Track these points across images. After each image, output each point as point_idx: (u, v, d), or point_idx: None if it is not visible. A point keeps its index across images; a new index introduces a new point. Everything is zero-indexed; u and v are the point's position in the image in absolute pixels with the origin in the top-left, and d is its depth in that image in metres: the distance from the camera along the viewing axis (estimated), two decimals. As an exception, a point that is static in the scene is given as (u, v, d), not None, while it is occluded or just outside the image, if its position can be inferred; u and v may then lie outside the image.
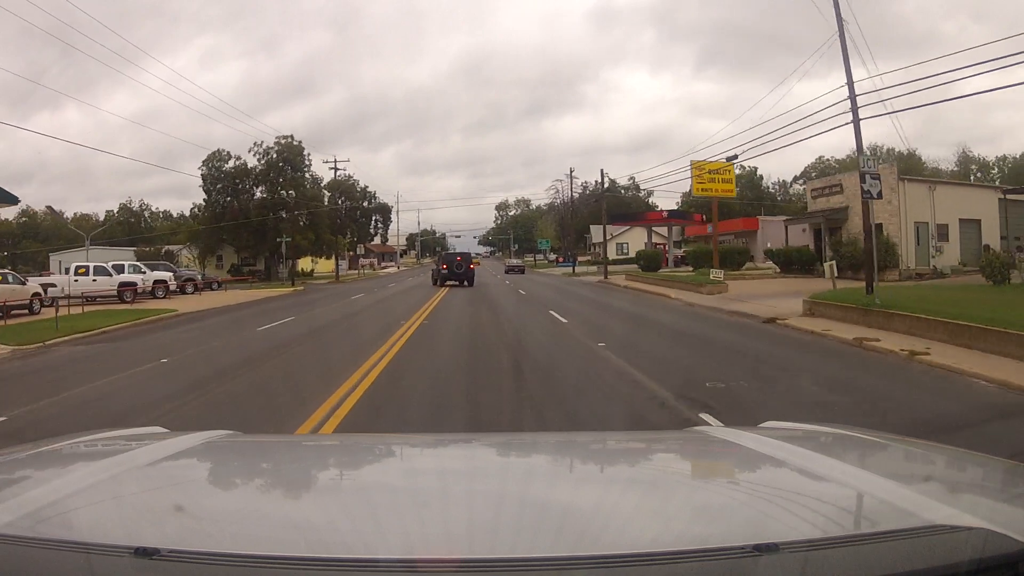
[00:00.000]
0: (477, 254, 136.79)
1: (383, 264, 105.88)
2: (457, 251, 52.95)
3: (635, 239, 72.11)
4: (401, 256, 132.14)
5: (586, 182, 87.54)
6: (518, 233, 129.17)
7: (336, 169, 61.96)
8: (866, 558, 1.16)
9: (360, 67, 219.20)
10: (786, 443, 2.01)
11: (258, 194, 58.82)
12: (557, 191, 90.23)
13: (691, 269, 40.35)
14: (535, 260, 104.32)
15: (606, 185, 68.13)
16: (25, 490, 1.63)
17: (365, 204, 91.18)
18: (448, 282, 41.06)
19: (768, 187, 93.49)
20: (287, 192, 57.47)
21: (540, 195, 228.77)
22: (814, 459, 1.81)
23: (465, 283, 40.85)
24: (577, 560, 1.18)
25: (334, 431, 7.05)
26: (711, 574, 1.15)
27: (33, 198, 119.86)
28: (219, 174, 57.88)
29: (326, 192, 65.31)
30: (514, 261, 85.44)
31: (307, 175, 60.72)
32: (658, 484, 1.92)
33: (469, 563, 1.19)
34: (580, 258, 78.88)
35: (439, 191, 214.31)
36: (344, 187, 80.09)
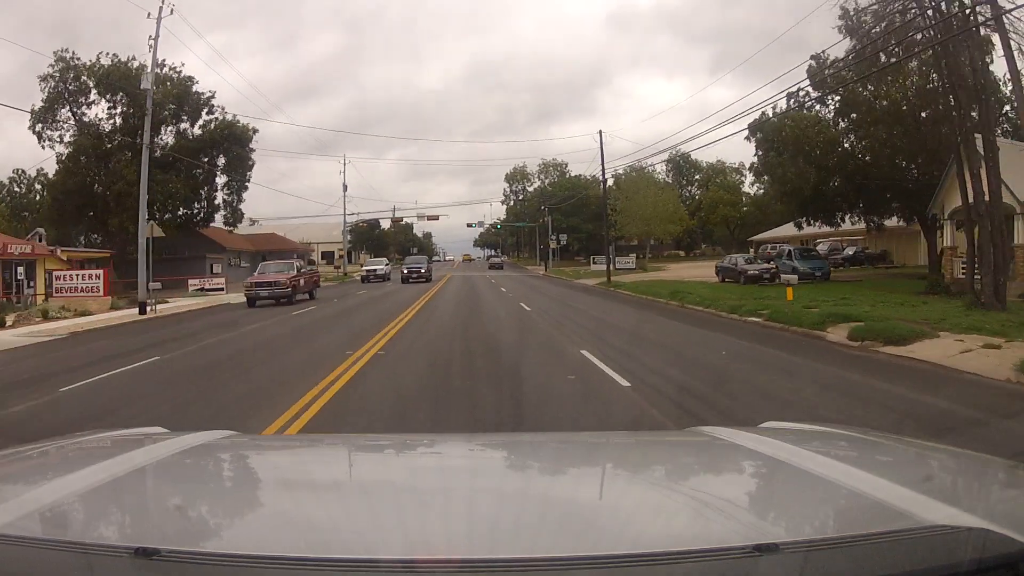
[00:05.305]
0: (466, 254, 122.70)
1: (207, 282, 39.53)
2: None
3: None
4: (321, 262, 68.56)
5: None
6: (558, 219, 72.51)
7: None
8: (866, 558, 1.16)
9: (359, 71, 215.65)
10: (786, 443, 2.00)
11: None
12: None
13: None
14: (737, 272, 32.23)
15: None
16: (25, 490, 1.63)
17: (197, 129, 37.79)
18: None
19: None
20: None
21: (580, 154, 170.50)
22: (814, 459, 1.81)
23: None
24: (577, 560, 1.18)
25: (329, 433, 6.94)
26: (711, 574, 1.15)
27: None
28: None
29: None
30: (496, 259, 74.92)
31: None
32: (658, 484, 1.92)
33: (469, 563, 1.18)
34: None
35: (440, 195, 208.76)
36: (123, 79, 32.30)
